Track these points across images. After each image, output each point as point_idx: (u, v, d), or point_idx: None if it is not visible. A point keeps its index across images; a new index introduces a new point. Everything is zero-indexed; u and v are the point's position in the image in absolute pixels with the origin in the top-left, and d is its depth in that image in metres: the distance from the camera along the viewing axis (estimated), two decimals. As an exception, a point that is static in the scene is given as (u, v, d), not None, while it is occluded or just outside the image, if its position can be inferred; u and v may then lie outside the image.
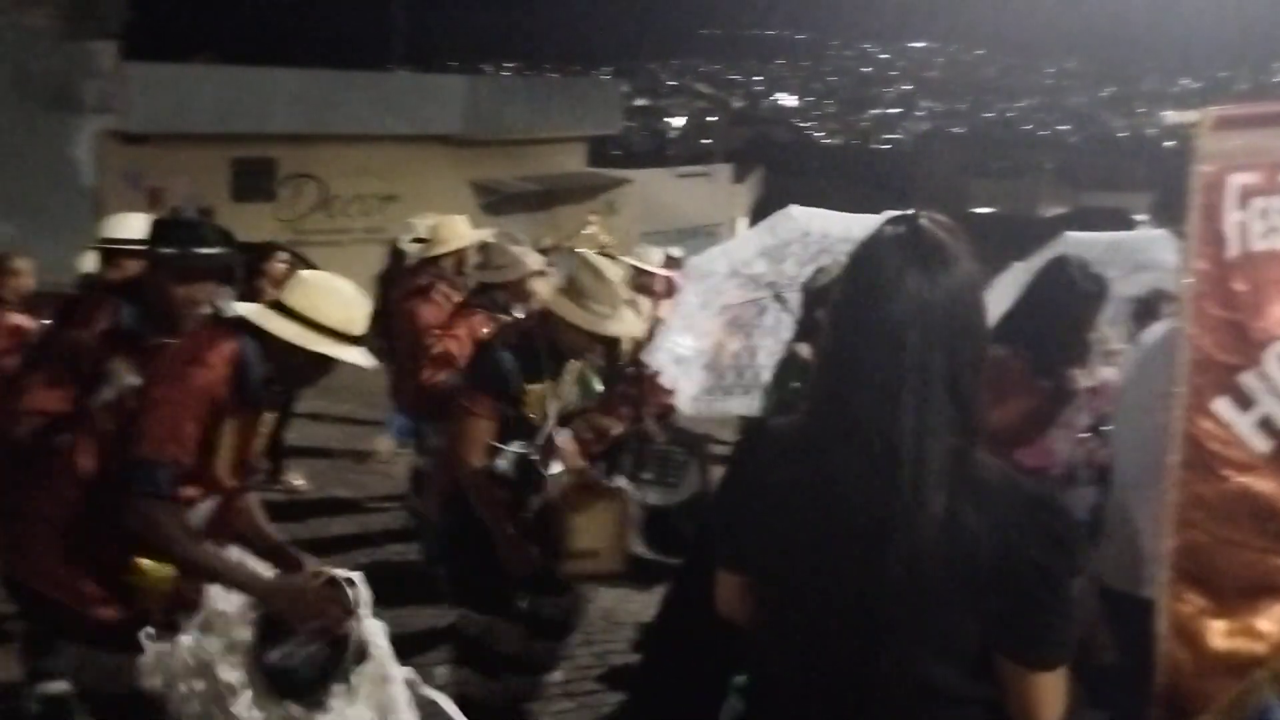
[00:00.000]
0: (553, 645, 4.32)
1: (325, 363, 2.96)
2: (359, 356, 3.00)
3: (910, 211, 1.76)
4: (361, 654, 2.79)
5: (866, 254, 1.75)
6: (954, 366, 1.67)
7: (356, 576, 2.85)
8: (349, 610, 2.75)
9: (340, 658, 2.75)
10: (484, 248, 5.61)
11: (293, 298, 2.95)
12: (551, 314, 3.87)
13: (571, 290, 3.84)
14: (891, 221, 1.76)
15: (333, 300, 2.97)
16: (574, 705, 4.64)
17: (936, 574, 1.63)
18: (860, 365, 1.68)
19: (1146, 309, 4.52)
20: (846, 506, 1.67)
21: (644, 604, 6.02)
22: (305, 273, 3.03)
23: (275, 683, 2.69)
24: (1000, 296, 5.09)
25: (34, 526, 2.91)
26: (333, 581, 2.82)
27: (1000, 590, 1.64)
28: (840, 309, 1.76)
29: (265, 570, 2.90)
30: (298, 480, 7.77)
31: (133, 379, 2.82)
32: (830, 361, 1.76)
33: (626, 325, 4.12)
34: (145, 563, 2.80)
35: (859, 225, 4.94)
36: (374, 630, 2.84)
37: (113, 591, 2.85)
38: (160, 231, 3.38)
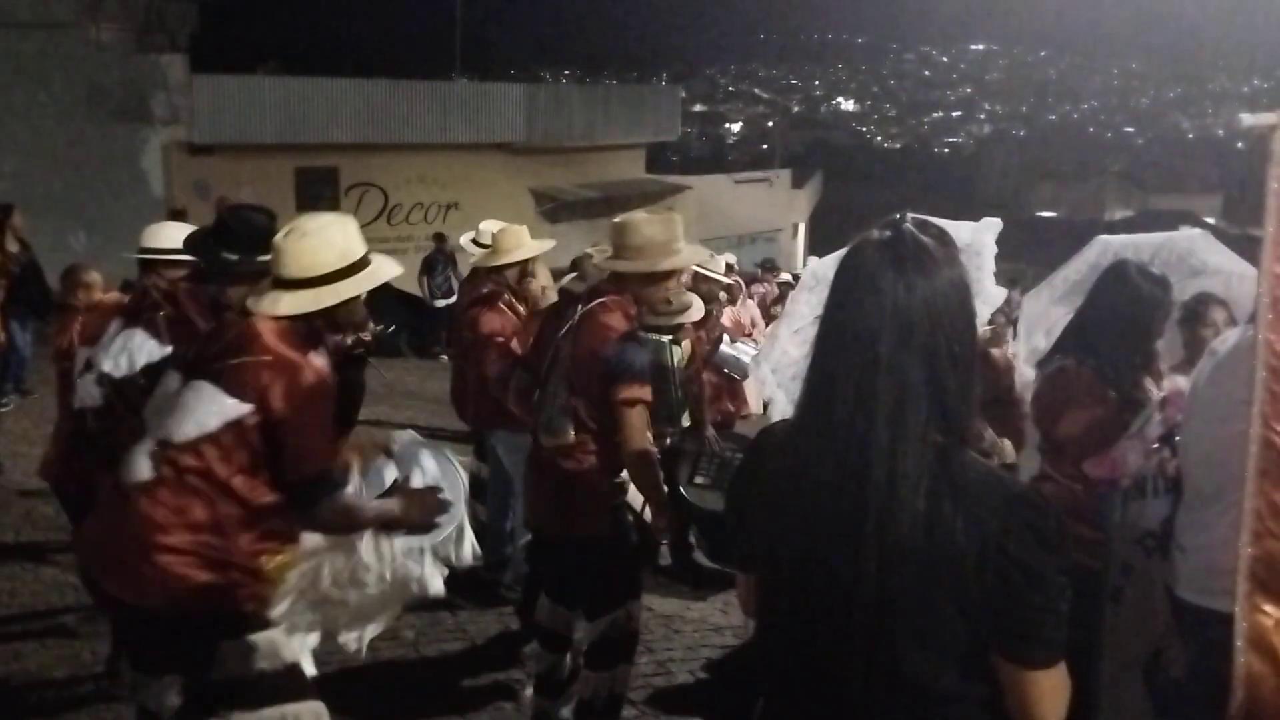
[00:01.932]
0: None
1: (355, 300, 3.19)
2: (385, 269, 3.22)
3: (898, 216, 1.78)
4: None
5: (850, 258, 1.79)
6: (934, 368, 1.69)
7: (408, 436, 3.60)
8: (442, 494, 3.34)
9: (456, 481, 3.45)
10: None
11: (290, 269, 3.06)
12: (631, 279, 3.90)
13: (632, 249, 3.86)
14: (879, 226, 1.79)
15: (325, 246, 3.09)
16: (635, 713, 4.64)
17: (915, 572, 1.65)
18: (839, 367, 1.72)
19: (1193, 315, 4.42)
20: (827, 506, 1.71)
21: (704, 612, 6.02)
22: (279, 241, 3.12)
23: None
24: (1035, 309, 5.05)
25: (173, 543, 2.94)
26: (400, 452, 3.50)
27: (984, 588, 1.65)
28: (826, 312, 1.80)
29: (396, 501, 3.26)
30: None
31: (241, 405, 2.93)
32: (814, 364, 1.80)
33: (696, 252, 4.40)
34: (279, 556, 3.04)
35: (974, 232, 4.88)
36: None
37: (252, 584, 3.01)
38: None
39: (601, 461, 3.92)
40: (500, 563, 5.96)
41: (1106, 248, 4.76)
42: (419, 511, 3.24)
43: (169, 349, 3.72)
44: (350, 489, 3.16)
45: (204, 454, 2.92)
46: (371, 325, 6.60)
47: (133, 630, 3.09)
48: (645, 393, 3.81)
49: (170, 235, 4.44)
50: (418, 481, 3.36)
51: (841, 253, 1.84)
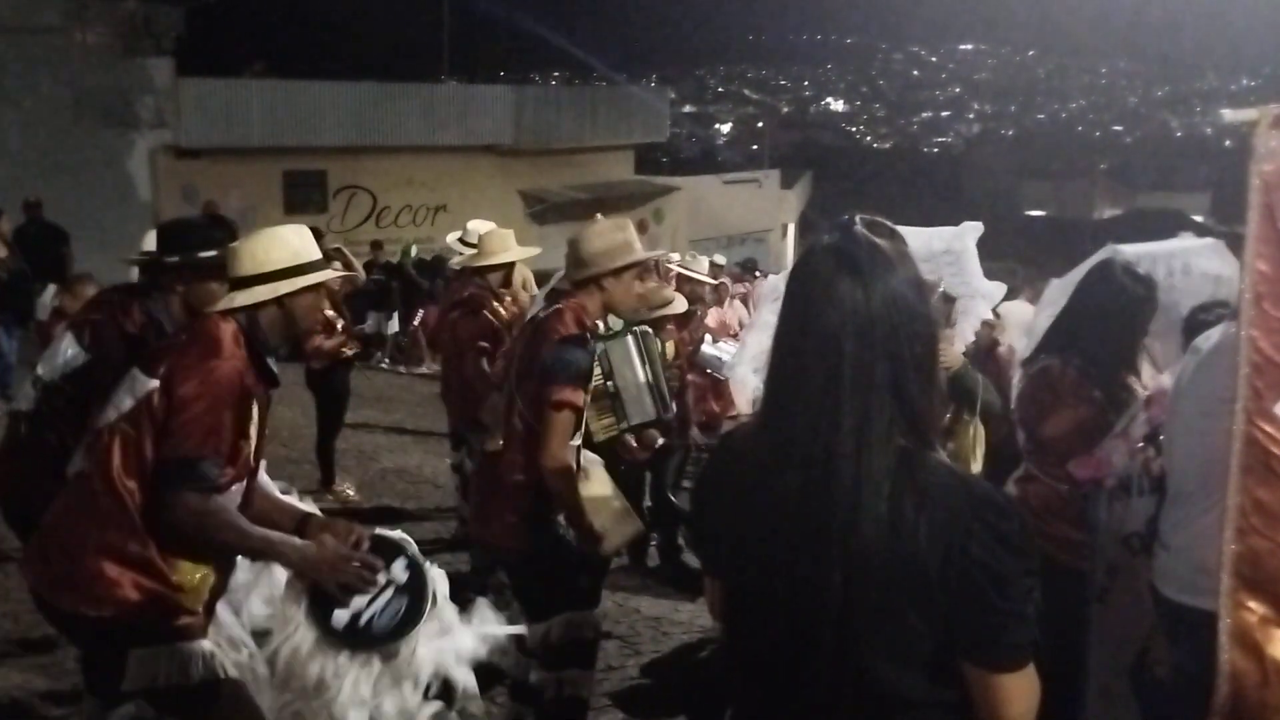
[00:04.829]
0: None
1: (315, 297, 3.13)
2: (333, 272, 3.19)
3: (847, 218, 1.77)
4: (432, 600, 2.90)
5: (804, 264, 1.78)
6: (897, 370, 1.69)
7: (399, 535, 2.99)
8: (375, 567, 2.85)
9: (416, 606, 2.85)
10: None
11: (244, 266, 3.03)
12: (597, 281, 3.75)
13: (594, 256, 3.73)
14: (829, 230, 1.78)
15: (279, 244, 3.06)
16: (622, 715, 4.63)
17: (880, 577, 1.64)
18: (801, 373, 1.71)
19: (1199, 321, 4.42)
20: (791, 511, 1.70)
21: (693, 614, 6.00)
22: (237, 244, 3.10)
23: (350, 641, 2.82)
24: (1043, 317, 5.02)
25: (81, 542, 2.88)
26: (376, 541, 2.95)
27: (948, 592, 1.64)
28: (783, 319, 1.78)
29: (299, 541, 2.98)
30: (349, 490, 7.82)
31: (150, 381, 2.88)
32: (774, 370, 1.79)
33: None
34: (188, 564, 2.90)
35: (953, 237, 4.86)
36: (438, 579, 2.95)
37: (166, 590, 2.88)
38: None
39: (532, 472, 3.68)
40: (488, 566, 5.93)
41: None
42: (326, 569, 2.83)
43: (88, 355, 3.66)
44: (221, 500, 2.87)
45: (117, 438, 2.87)
46: (357, 328, 6.63)
47: (86, 647, 2.98)
48: (577, 398, 3.61)
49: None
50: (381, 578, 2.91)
51: None
